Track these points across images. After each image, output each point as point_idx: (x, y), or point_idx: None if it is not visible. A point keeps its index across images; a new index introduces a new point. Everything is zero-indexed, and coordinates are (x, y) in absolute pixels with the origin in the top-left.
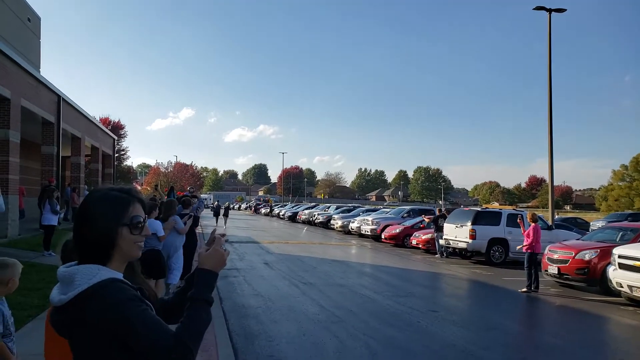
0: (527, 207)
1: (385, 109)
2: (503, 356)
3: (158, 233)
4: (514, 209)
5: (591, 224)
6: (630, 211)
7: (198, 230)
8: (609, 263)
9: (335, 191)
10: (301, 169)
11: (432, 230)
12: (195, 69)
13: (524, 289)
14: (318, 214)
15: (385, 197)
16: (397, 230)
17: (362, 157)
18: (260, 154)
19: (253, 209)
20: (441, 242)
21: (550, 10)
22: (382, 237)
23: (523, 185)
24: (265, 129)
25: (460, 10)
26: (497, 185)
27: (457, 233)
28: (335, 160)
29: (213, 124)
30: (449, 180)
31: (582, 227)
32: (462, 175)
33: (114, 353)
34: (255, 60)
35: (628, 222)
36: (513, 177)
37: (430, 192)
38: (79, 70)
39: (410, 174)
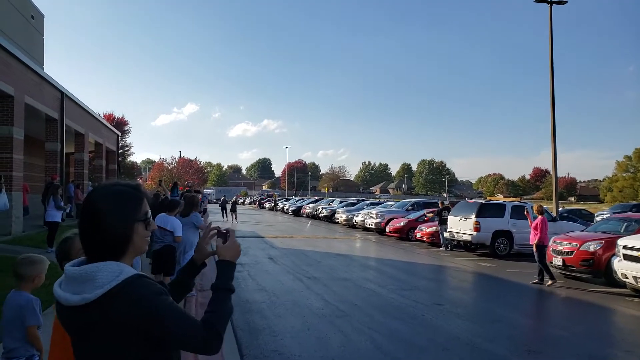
0: (532, 199)
1: (389, 101)
2: (508, 348)
3: (176, 233)
4: (518, 201)
5: (596, 215)
6: (634, 202)
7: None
8: (614, 254)
9: (339, 185)
10: (305, 163)
11: (437, 223)
12: (200, 64)
13: (549, 282)
14: (322, 208)
15: (390, 190)
16: (402, 224)
17: (366, 150)
18: (264, 148)
19: (257, 203)
20: (445, 234)
21: (551, 3)
22: (387, 230)
23: (527, 177)
24: (269, 123)
25: (464, 0)
26: (501, 177)
27: (461, 225)
28: (339, 154)
29: (217, 119)
30: (453, 173)
31: (586, 218)
32: (466, 167)
33: (132, 349)
34: (260, 55)
35: (632, 213)
36: (517, 169)
37: (434, 185)
38: (83, 66)
39: (414, 167)
